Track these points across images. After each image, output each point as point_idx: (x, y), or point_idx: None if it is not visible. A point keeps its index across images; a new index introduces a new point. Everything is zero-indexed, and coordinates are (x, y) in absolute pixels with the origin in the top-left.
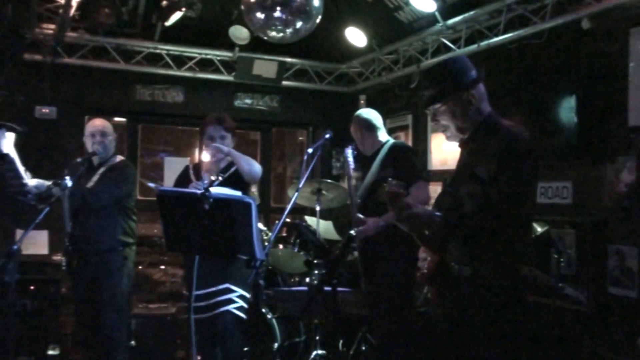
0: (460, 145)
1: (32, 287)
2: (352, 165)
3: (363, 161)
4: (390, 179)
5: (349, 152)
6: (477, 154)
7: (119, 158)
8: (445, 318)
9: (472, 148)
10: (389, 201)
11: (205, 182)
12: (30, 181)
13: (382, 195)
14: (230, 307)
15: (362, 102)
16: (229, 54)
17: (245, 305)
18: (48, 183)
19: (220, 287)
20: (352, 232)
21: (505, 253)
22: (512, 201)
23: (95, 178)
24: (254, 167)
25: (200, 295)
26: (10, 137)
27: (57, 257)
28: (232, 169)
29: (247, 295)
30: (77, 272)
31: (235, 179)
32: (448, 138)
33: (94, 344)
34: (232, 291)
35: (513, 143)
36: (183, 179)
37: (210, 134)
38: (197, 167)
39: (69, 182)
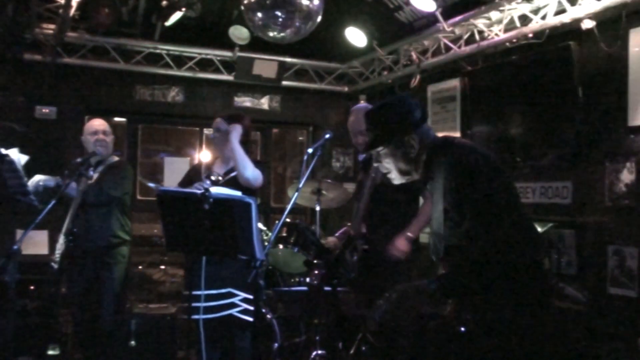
0: (422, 184)
1: (32, 287)
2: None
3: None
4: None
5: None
6: (439, 191)
7: (116, 157)
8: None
9: (432, 185)
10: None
11: (207, 182)
12: (37, 178)
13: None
14: (233, 310)
15: (362, 102)
16: (229, 54)
17: (251, 307)
18: (49, 179)
19: (222, 290)
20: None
21: (516, 268)
22: (486, 225)
23: (95, 176)
24: (248, 169)
25: (205, 295)
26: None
27: (53, 257)
28: (235, 173)
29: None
30: (74, 269)
31: (238, 182)
32: (392, 180)
33: (92, 341)
34: (235, 295)
35: (454, 172)
36: (190, 175)
37: (214, 127)
38: (208, 165)
39: (90, 172)
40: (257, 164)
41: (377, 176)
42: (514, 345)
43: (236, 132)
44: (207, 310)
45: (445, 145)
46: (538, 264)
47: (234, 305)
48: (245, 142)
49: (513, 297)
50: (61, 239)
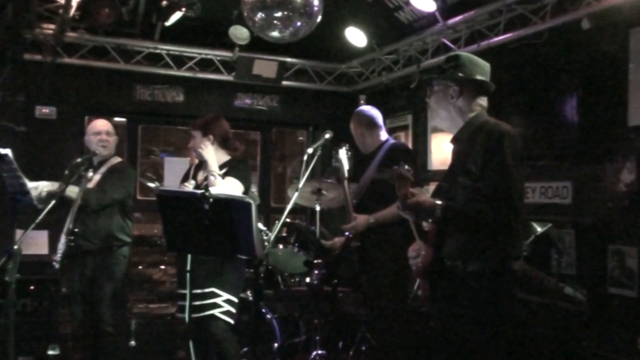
0: (451, 142)
1: (32, 287)
2: (346, 166)
3: (360, 160)
4: (401, 162)
5: (344, 152)
6: (467, 150)
7: (118, 159)
8: (437, 312)
9: (463, 144)
10: (396, 185)
11: (192, 182)
12: (42, 184)
13: (388, 177)
14: (216, 311)
15: (362, 102)
16: (229, 54)
17: (232, 309)
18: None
19: (206, 290)
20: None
21: (495, 247)
22: (500, 192)
23: (97, 177)
24: (219, 189)
25: (191, 294)
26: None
27: (55, 256)
28: (222, 171)
29: (235, 299)
30: (74, 269)
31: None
32: (432, 119)
33: (92, 340)
34: (218, 295)
35: (497, 139)
36: (185, 179)
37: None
38: (198, 165)
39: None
40: (237, 163)
41: (363, 183)
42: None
43: (208, 153)
44: (194, 308)
45: (489, 123)
46: (503, 266)
47: (216, 305)
48: (226, 141)
49: (476, 280)
50: (62, 239)
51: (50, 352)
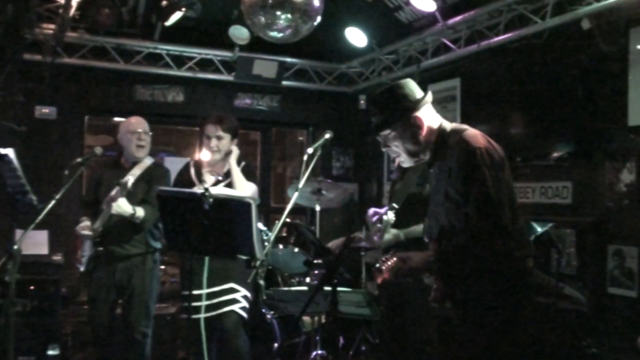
0: (427, 166)
1: (32, 287)
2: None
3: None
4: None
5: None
6: (444, 173)
7: (151, 160)
8: (455, 320)
9: (438, 167)
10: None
11: (207, 183)
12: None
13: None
14: (235, 306)
15: (362, 102)
16: (229, 54)
17: (247, 305)
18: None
19: (225, 286)
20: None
21: (505, 260)
22: (490, 209)
23: (130, 180)
24: (247, 191)
25: (206, 294)
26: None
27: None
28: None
29: (249, 295)
30: (102, 275)
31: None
32: (402, 163)
33: (106, 343)
34: (236, 291)
35: (468, 155)
36: (183, 176)
37: (207, 133)
38: (198, 164)
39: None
40: (246, 167)
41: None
42: (497, 340)
43: (235, 154)
44: (209, 308)
45: (460, 132)
46: (522, 262)
47: (235, 301)
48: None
49: (492, 290)
50: (88, 244)
51: (50, 352)
